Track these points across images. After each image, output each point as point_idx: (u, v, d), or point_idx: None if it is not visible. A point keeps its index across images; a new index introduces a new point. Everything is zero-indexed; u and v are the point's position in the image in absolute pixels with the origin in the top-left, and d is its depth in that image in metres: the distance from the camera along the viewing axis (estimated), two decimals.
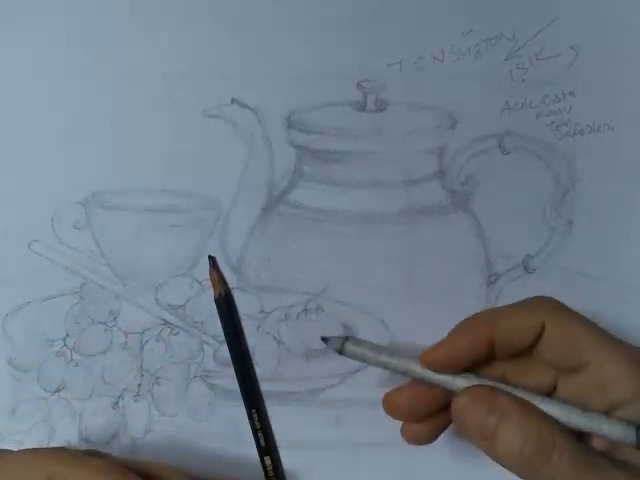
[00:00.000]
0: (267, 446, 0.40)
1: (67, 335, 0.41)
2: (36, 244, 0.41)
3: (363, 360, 0.35)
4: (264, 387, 0.41)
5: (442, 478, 0.42)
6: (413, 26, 0.41)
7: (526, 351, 0.34)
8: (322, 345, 0.39)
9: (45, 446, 0.41)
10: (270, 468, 0.40)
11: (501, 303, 0.42)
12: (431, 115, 0.42)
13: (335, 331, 0.41)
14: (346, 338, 0.35)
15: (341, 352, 0.35)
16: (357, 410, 0.41)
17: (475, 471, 0.41)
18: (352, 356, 0.35)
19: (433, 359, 0.34)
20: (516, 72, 0.42)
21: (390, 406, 0.36)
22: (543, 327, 0.33)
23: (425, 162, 0.42)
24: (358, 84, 0.41)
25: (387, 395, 0.36)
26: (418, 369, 0.34)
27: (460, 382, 0.34)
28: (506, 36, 0.41)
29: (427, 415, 0.35)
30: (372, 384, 0.41)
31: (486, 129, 0.42)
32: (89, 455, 0.35)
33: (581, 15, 0.42)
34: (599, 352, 0.32)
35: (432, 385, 0.34)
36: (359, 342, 0.35)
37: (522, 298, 0.41)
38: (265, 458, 0.40)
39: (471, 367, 0.34)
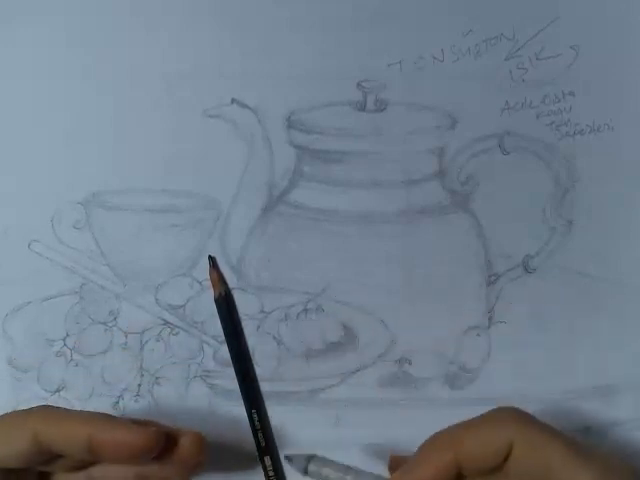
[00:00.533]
0: (267, 446, 0.40)
1: (67, 335, 0.41)
2: (36, 244, 0.41)
3: None
4: (264, 387, 0.41)
5: None
6: (413, 26, 0.41)
7: (496, 468, 0.33)
8: (322, 345, 0.39)
9: None
10: (270, 468, 0.40)
11: (501, 303, 0.42)
12: (431, 115, 0.42)
13: (336, 331, 0.42)
14: (310, 457, 0.34)
15: (305, 472, 0.34)
16: (357, 410, 0.41)
17: None
18: (316, 476, 0.34)
19: None
20: (516, 72, 0.41)
21: None
22: (511, 446, 0.32)
23: (425, 162, 0.42)
24: (358, 84, 0.41)
25: None
26: None
27: None
28: (506, 36, 0.41)
29: None
30: (372, 384, 0.41)
31: (486, 129, 0.42)
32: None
33: (581, 15, 0.42)
34: (569, 471, 0.32)
35: None
36: (323, 462, 0.34)
37: (522, 298, 0.42)
38: (265, 458, 0.40)
39: None
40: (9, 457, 0.33)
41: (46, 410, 0.35)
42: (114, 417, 0.35)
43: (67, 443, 0.33)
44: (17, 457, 0.33)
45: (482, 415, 0.34)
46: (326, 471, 0.34)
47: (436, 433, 0.34)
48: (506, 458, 0.33)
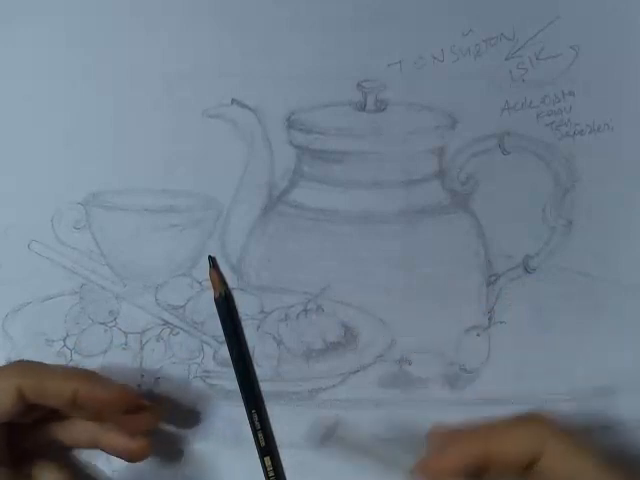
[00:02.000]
0: (267, 446, 0.40)
1: (67, 335, 0.41)
2: (36, 244, 0.41)
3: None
4: (264, 387, 0.41)
5: None
6: (413, 26, 0.41)
7: (521, 472, 0.34)
8: (322, 345, 0.39)
9: None
10: (270, 468, 0.40)
11: (501, 303, 0.42)
12: (431, 115, 0.42)
13: (336, 331, 0.42)
14: None
15: None
16: (357, 410, 0.41)
17: None
18: None
19: (426, 474, 0.34)
20: (516, 72, 0.42)
21: None
22: (541, 453, 0.33)
23: (425, 162, 0.42)
24: (358, 84, 0.41)
25: None
26: None
27: None
28: (506, 36, 0.41)
29: None
30: (372, 384, 0.41)
31: (486, 129, 0.42)
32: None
33: (581, 15, 0.42)
34: None
35: None
36: None
37: (522, 298, 0.42)
38: (265, 458, 0.40)
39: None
40: None
41: (30, 365, 0.36)
42: (95, 373, 0.38)
43: (53, 397, 0.35)
44: (3, 413, 0.34)
45: (513, 417, 0.35)
46: None
47: (463, 429, 0.35)
48: (532, 464, 0.33)
